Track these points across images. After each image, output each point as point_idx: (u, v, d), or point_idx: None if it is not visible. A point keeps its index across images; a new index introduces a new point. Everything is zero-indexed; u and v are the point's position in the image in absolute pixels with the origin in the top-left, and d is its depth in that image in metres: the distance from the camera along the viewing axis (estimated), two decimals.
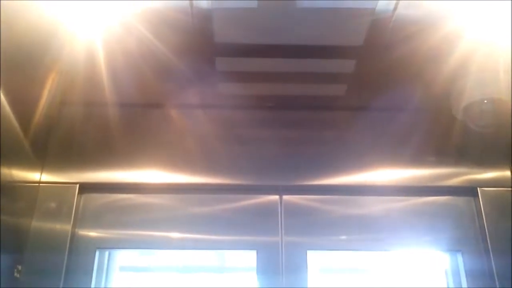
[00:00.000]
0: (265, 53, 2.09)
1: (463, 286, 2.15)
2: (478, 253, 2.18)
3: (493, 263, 2.10)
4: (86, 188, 2.21)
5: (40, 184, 2.16)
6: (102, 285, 2.14)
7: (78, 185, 2.18)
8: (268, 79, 2.26)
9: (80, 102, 2.30)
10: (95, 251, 2.12)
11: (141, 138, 2.32)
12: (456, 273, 2.20)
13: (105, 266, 2.19)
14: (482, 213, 2.20)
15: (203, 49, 2.07)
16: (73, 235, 2.11)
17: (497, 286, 2.05)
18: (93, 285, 2.07)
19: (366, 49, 2.06)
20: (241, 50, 2.08)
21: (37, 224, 2.08)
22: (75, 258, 2.08)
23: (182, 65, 2.12)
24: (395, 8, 1.86)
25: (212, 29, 1.94)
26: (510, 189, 2.24)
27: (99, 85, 2.16)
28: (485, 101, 2.23)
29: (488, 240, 2.14)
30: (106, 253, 2.21)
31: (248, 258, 2.18)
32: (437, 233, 2.23)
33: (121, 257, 2.31)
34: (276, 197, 2.27)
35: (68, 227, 2.09)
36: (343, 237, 2.22)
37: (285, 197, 2.27)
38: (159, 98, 2.39)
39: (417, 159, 2.32)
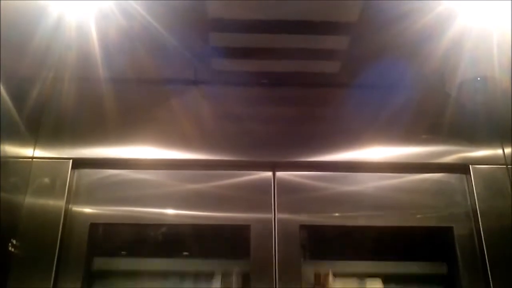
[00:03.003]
0: (260, 28, 2.09)
1: (454, 261, 2.17)
2: (469, 229, 2.19)
3: (483, 238, 2.12)
4: (79, 163, 2.20)
5: (33, 160, 2.16)
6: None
7: (71, 161, 2.18)
8: (262, 55, 2.26)
9: (73, 78, 2.29)
10: (89, 226, 2.12)
11: (134, 114, 2.32)
12: (447, 249, 2.23)
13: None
14: (474, 190, 2.22)
15: (197, 25, 2.06)
16: (67, 210, 2.12)
17: (487, 262, 2.08)
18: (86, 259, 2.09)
19: (361, 26, 2.06)
20: (235, 26, 2.07)
21: (30, 199, 2.08)
22: (69, 232, 2.09)
23: (176, 40, 2.11)
24: None
25: (205, 4, 1.93)
26: (501, 166, 2.26)
27: (92, 61, 2.15)
28: (478, 79, 2.23)
29: (479, 216, 2.17)
30: None
31: None
32: (429, 210, 2.25)
33: None
34: (269, 173, 2.27)
35: (61, 203, 2.09)
36: (336, 213, 2.23)
37: (278, 173, 2.27)
38: (152, 74, 2.38)
39: (410, 137, 2.33)
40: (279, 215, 2.19)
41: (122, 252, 2.27)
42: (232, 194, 2.24)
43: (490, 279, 2.06)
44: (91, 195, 2.20)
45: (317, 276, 2.19)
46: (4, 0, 1.65)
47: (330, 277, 2.17)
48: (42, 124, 2.23)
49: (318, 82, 2.44)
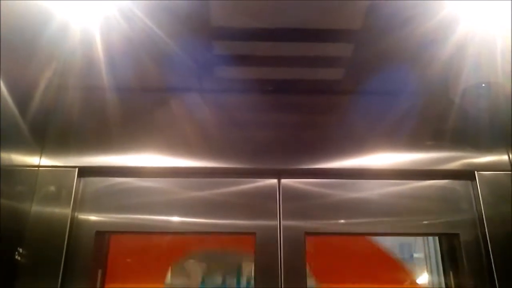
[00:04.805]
0: (263, 36, 2.09)
1: (460, 268, 2.16)
2: (476, 236, 2.18)
3: (489, 245, 2.11)
4: (85, 172, 2.22)
5: (40, 168, 2.17)
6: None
7: (77, 169, 2.19)
8: (266, 63, 2.26)
9: (78, 86, 2.31)
10: (95, 234, 2.13)
11: (139, 122, 2.33)
12: (453, 255, 2.22)
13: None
14: (479, 197, 2.21)
15: (201, 33, 2.06)
16: (73, 218, 2.13)
17: (494, 268, 2.07)
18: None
19: (364, 33, 2.06)
20: (238, 34, 2.07)
21: (37, 207, 2.09)
22: (75, 240, 2.10)
23: (179, 49, 2.12)
24: None
25: (209, 13, 1.94)
26: (507, 172, 2.25)
27: (97, 70, 2.16)
28: (483, 85, 2.23)
29: (485, 223, 2.16)
30: None
31: None
32: (435, 216, 2.24)
33: None
34: (275, 180, 2.28)
35: (67, 211, 2.10)
36: (341, 220, 2.23)
37: (283, 180, 2.28)
38: (156, 82, 2.39)
39: (415, 143, 2.33)
40: (284, 222, 2.19)
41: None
42: (237, 202, 2.24)
43: (497, 285, 2.05)
44: (97, 203, 2.21)
45: None
46: (8, 8, 1.66)
47: None
48: (48, 132, 2.24)
49: (322, 89, 2.44)
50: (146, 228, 2.18)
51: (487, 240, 2.13)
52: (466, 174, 2.29)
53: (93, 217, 2.18)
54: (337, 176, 2.30)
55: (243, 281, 2.36)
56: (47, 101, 2.18)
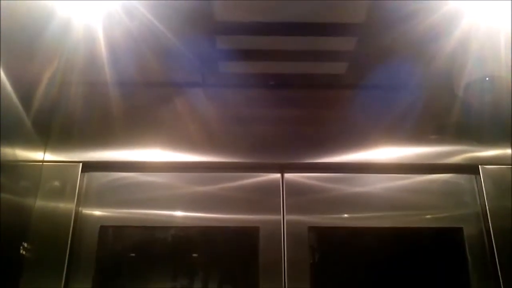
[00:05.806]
0: (266, 31, 2.08)
1: (464, 262, 2.17)
2: (479, 230, 2.19)
3: (493, 239, 2.11)
4: (89, 166, 2.23)
5: (44, 163, 2.18)
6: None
7: (81, 164, 2.20)
8: (269, 57, 2.26)
9: (82, 82, 2.31)
10: (99, 228, 2.14)
11: (142, 117, 2.34)
12: (457, 249, 2.22)
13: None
14: (483, 191, 2.22)
15: (204, 28, 2.06)
16: (77, 213, 2.14)
17: (497, 262, 2.07)
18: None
19: (368, 27, 2.06)
20: (241, 28, 2.07)
21: (41, 202, 2.11)
22: (79, 235, 2.11)
23: (183, 44, 2.11)
24: None
25: (212, 8, 1.94)
26: (511, 166, 2.25)
27: (100, 65, 2.17)
28: (486, 79, 2.22)
29: (489, 216, 2.16)
30: None
31: None
32: (439, 210, 2.25)
33: None
34: (278, 175, 2.28)
35: (72, 205, 2.11)
36: (345, 214, 2.24)
37: (286, 175, 2.28)
38: (160, 78, 2.39)
39: (418, 137, 2.33)
40: (288, 217, 2.19)
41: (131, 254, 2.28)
42: (241, 196, 2.25)
43: (500, 279, 2.05)
44: (101, 198, 2.22)
45: None
46: (12, 5, 1.66)
47: None
48: (52, 128, 2.25)
49: (325, 83, 2.44)
50: (150, 223, 2.19)
51: (490, 234, 2.14)
52: (470, 168, 2.29)
53: (97, 212, 2.19)
54: (340, 170, 2.30)
55: None
56: (51, 97, 2.19)
